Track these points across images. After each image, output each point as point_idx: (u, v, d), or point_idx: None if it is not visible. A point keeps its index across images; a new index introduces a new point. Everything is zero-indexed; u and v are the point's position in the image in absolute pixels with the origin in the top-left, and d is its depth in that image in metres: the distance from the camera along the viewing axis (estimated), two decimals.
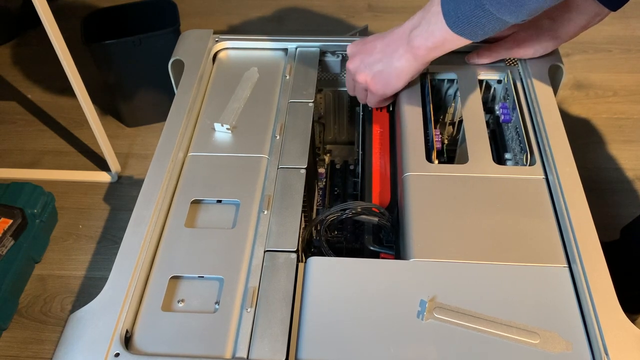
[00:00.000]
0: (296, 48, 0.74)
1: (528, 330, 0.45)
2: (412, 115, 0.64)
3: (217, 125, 0.63)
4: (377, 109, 0.70)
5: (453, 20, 0.52)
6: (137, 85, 1.23)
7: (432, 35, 0.55)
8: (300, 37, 0.75)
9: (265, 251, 0.52)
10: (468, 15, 0.51)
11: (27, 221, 0.99)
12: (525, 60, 0.68)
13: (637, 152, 1.19)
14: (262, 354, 0.45)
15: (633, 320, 0.71)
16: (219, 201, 0.58)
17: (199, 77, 0.69)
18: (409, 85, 0.67)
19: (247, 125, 0.65)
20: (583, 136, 1.23)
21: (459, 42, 0.55)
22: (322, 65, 0.76)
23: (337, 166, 0.87)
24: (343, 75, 0.78)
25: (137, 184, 1.18)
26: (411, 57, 0.59)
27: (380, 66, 0.61)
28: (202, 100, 0.69)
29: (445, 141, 0.77)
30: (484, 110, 0.65)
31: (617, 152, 1.20)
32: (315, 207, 0.77)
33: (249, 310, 0.47)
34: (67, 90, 1.10)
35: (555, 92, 0.66)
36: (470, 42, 0.54)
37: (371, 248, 0.59)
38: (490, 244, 0.51)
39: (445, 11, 0.53)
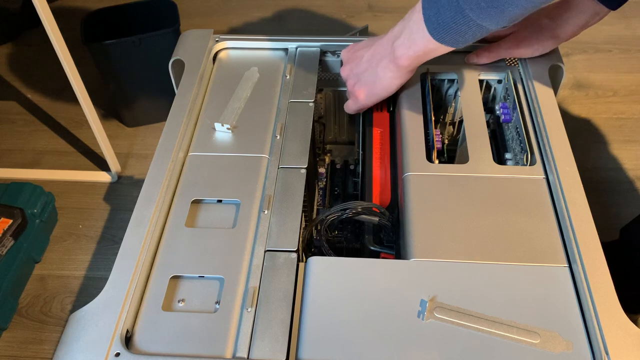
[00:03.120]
0: (296, 48, 0.74)
1: (528, 330, 0.45)
2: (412, 115, 0.64)
3: (217, 125, 0.63)
4: (377, 108, 0.70)
5: (434, 27, 0.53)
6: (137, 85, 1.23)
7: (414, 43, 0.56)
8: (301, 37, 0.75)
9: (265, 251, 0.52)
10: (448, 22, 0.51)
11: (27, 221, 0.99)
12: (525, 60, 0.68)
13: (637, 152, 1.19)
14: (263, 354, 0.44)
15: (633, 320, 0.71)
16: (220, 201, 0.58)
17: (199, 77, 0.69)
18: (410, 84, 0.67)
19: (247, 125, 0.65)
20: (583, 136, 1.24)
21: (441, 50, 0.55)
22: (323, 65, 0.76)
23: (338, 166, 0.87)
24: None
25: (137, 184, 1.18)
26: (394, 67, 0.60)
27: (367, 76, 0.63)
28: (203, 100, 0.69)
29: (446, 141, 0.77)
30: (484, 110, 0.65)
31: (617, 152, 1.20)
32: (315, 207, 0.77)
33: (249, 310, 0.47)
34: (67, 90, 1.10)
35: (555, 92, 0.66)
36: (452, 49, 0.54)
37: (371, 248, 0.59)
38: (491, 243, 0.51)
39: (426, 18, 0.53)
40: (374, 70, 0.62)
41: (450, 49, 0.54)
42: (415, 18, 0.54)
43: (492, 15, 0.49)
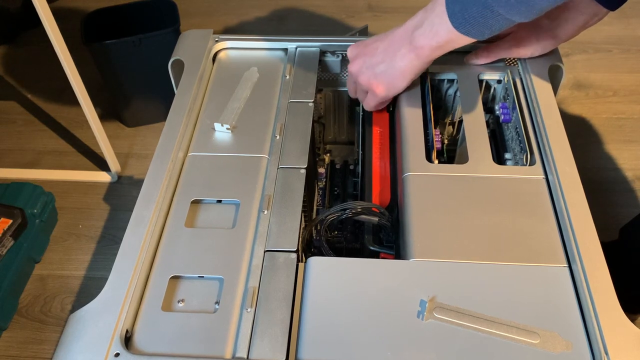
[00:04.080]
0: (296, 48, 0.74)
1: (528, 330, 0.45)
2: (412, 115, 0.64)
3: (217, 125, 0.63)
4: None
5: (460, 22, 0.52)
6: (137, 85, 1.23)
7: (436, 35, 0.56)
8: (300, 37, 0.75)
9: (265, 251, 0.52)
10: (475, 17, 0.51)
11: (27, 221, 0.99)
12: (525, 60, 0.68)
13: (637, 152, 1.19)
14: (262, 354, 0.45)
15: (633, 320, 0.71)
16: (219, 201, 0.58)
17: (199, 77, 0.69)
18: (409, 85, 0.67)
19: (247, 125, 0.65)
20: (583, 136, 1.23)
21: (464, 41, 0.55)
22: (322, 65, 0.76)
23: (337, 166, 0.87)
24: (343, 75, 0.78)
25: (137, 184, 1.18)
26: (414, 56, 0.59)
27: (383, 67, 0.61)
28: (202, 100, 0.69)
29: (445, 141, 0.77)
30: (484, 110, 0.65)
31: (617, 152, 1.20)
32: (315, 207, 0.77)
33: (249, 310, 0.47)
34: (67, 90, 1.10)
35: (555, 91, 0.66)
36: (476, 40, 0.54)
37: (371, 248, 0.59)
38: (491, 244, 0.51)
39: (450, 12, 0.53)
40: (391, 61, 0.61)
41: (473, 40, 0.55)
42: (438, 11, 0.54)
43: (522, 10, 0.49)
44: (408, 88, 0.67)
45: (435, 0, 0.55)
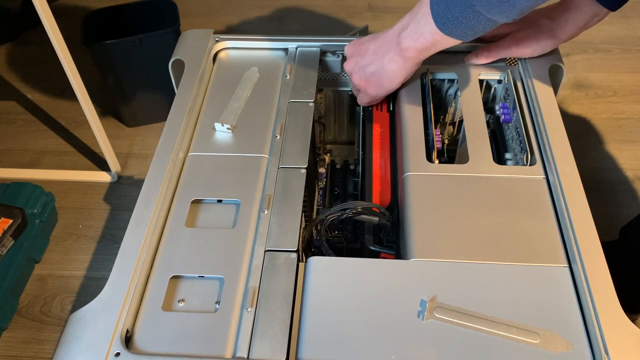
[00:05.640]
0: (296, 48, 0.74)
1: (528, 330, 0.45)
2: (412, 115, 0.64)
3: (217, 125, 0.63)
4: (377, 108, 0.70)
5: (443, 22, 0.53)
6: (137, 85, 1.23)
7: (421, 36, 0.56)
8: (301, 37, 0.75)
9: (265, 251, 0.52)
10: (458, 17, 0.51)
11: (27, 221, 0.99)
12: (525, 60, 0.68)
13: (637, 152, 1.19)
14: (263, 354, 0.45)
15: (633, 320, 0.71)
16: (220, 201, 0.58)
17: (199, 77, 0.69)
18: (410, 84, 0.67)
19: (247, 125, 0.65)
20: (583, 136, 1.23)
21: (449, 42, 0.55)
22: (323, 65, 0.76)
23: (338, 166, 0.87)
24: (343, 75, 0.78)
25: (137, 184, 1.18)
26: (400, 59, 0.60)
27: (373, 68, 0.63)
28: (203, 100, 0.69)
29: (446, 141, 0.77)
30: (484, 110, 0.65)
31: (617, 152, 1.20)
32: (315, 207, 0.77)
33: (249, 310, 0.47)
34: (67, 90, 1.10)
35: (555, 92, 0.66)
36: (461, 42, 0.54)
37: (371, 248, 0.59)
38: (491, 243, 0.51)
39: (434, 13, 0.53)
40: (380, 63, 0.62)
41: (458, 41, 0.55)
42: (423, 11, 0.54)
43: (503, 9, 0.49)
44: (408, 88, 0.67)
45: (421, 1, 0.55)
